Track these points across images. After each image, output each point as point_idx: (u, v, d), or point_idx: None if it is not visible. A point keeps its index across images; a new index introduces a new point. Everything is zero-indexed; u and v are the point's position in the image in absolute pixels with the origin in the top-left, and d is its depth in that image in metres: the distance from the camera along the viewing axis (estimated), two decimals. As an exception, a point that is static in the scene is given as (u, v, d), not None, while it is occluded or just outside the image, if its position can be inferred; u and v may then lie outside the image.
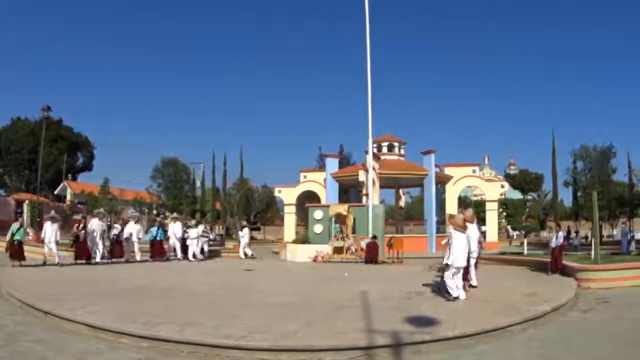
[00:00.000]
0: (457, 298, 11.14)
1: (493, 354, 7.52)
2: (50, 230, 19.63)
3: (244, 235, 27.70)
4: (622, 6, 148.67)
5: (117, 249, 22.06)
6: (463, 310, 9.95)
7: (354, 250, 25.27)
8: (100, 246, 20.94)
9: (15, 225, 19.41)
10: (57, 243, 19.86)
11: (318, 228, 27.59)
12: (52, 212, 22.09)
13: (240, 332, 7.90)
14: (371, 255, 23.37)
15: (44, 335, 8.30)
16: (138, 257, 22.90)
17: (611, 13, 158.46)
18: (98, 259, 20.62)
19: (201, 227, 26.17)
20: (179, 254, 24.44)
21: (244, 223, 32.73)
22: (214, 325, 8.39)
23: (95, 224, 20.91)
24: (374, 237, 24.37)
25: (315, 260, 24.89)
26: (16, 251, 18.88)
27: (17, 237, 19.00)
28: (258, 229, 74.87)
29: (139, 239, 23.59)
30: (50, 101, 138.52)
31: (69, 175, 68.47)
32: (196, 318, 8.95)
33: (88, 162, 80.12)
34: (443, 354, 7.48)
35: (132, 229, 23.15)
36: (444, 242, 12.25)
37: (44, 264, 19.48)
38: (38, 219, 43.88)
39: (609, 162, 49.70)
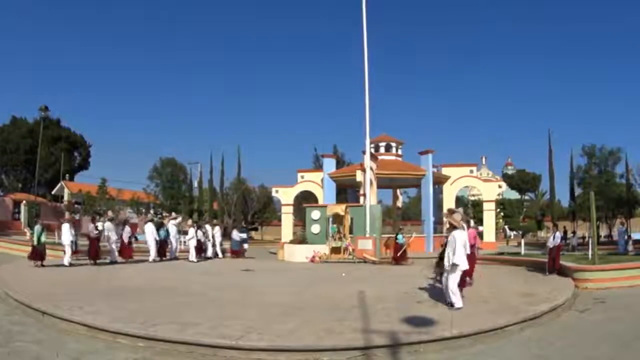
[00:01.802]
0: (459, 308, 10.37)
1: (490, 354, 7.52)
2: (67, 231, 19.60)
3: (216, 233, 27.21)
4: (619, 6, 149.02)
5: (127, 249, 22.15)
6: (460, 311, 9.94)
7: (351, 250, 25.28)
8: (115, 247, 21.01)
9: (38, 228, 19.57)
10: (74, 244, 19.87)
11: (315, 228, 27.61)
12: (67, 214, 22.11)
13: (238, 332, 7.90)
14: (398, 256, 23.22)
15: (41, 335, 8.29)
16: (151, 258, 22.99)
17: (608, 13, 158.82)
18: (116, 259, 20.77)
19: (209, 228, 26.37)
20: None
21: (215, 221, 32.48)
22: (211, 325, 8.38)
23: (109, 226, 21.01)
24: (397, 234, 24.29)
25: (312, 260, 24.88)
26: (39, 252, 19.01)
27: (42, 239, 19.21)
28: (255, 229, 74.79)
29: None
30: (48, 100, 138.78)
31: (66, 175, 68.31)
32: (193, 318, 8.95)
33: (84, 162, 79.92)
34: (440, 354, 7.49)
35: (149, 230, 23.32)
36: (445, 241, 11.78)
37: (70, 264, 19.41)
38: (35, 219, 43.79)
39: (614, 165, 49.90)
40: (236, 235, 29.47)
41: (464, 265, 10.51)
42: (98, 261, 20.26)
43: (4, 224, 48.25)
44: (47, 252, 19.79)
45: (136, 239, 23.49)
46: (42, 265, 18.66)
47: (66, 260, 19.17)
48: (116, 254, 21.10)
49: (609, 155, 49.67)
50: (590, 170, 50.38)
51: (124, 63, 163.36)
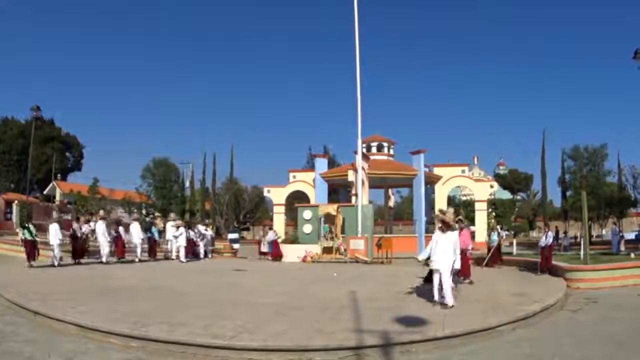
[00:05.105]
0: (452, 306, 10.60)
1: (482, 354, 7.55)
2: (54, 232, 19.48)
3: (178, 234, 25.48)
4: (611, 5, 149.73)
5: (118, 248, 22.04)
6: (452, 310, 9.99)
7: (343, 250, 25.31)
8: (106, 246, 20.91)
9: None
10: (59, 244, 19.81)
11: (307, 228, 27.61)
12: (55, 214, 21.99)
13: (230, 332, 7.90)
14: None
15: (34, 335, 8.26)
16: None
17: (602, 12, 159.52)
18: (104, 259, 20.69)
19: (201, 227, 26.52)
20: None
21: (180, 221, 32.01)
22: (203, 325, 8.38)
23: (100, 226, 20.94)
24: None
25: (304, 260, 24.92)
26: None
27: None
28: (247, 229, 74.79)
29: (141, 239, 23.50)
30: (40, 100, 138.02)
31: (59, 175, 68.04)
32: (185, 318, 8.95)
33: (77, 162, 79.67)
34: (432, 354, 7.52)
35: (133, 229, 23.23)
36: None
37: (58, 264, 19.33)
38: (28, 219, 43.56)
39: (602, 162, 50.12)
40: (271, 236, 29.56)
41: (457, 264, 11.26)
42: (82, 260, 20.38)
43: (-2, 224, 47.97)
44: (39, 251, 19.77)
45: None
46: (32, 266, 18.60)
47: (55, 260, 19.15)
48: (106, 252, 20.91)
49: (595, 152, 49.92)
50: (580, 171, 50.59)
51: (120, 63, 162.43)
